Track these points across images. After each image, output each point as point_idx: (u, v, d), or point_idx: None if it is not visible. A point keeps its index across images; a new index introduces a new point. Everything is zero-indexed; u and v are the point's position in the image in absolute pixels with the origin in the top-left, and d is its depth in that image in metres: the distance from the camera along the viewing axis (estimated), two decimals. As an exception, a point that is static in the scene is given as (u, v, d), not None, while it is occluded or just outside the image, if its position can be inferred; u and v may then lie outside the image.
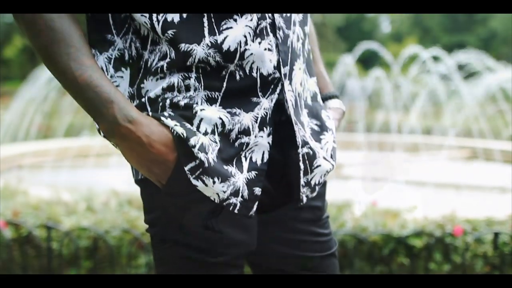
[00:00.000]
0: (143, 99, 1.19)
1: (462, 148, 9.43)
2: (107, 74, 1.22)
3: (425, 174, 7.44)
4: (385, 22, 51.30)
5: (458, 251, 3.00)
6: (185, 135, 1.13)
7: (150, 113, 1.16)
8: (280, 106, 1.22)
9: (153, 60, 1.19)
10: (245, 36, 1.17)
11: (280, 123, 1.23)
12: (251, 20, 1.17)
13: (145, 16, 1.17)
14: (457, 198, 6.15)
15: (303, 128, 1.27)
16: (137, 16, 1.18)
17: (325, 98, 1.47)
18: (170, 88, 1.17)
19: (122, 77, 1.23)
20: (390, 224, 3.16)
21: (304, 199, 1.29)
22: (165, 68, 1.17)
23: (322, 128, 1.33)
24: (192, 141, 1.13)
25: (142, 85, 1.20)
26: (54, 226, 3.22)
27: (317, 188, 1.32)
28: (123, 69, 1.23)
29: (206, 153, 1.14)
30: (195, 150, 1.13)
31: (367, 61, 29.05)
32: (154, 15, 1.16)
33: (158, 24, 1.16)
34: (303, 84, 1.30)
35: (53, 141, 9.53)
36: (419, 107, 10.98)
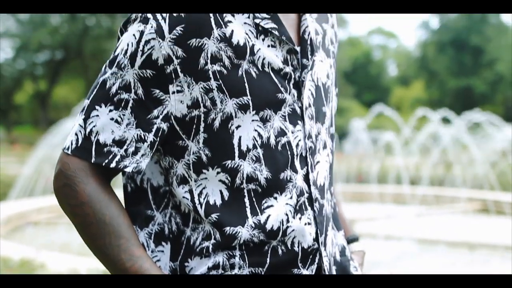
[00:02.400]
0: None
1: (473, 200, 9.46)
2: (148, 249, 1.25)
3: (437, 231, 7.46)
4: (392, 66, 51.74)
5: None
6: None
7: None
8: (316, 271, 1.25)
9: (196, 239, 1.21)
10: (286, 214, 1.20)
11: None
12: (291, 197, 1.21)
13: (187, 199, 1.20)
14: (472, 261, 6.15)
15: None
16: (179, 195, 1.22)
17: (347, 242, 1.47)
18: (215, 267, 1.19)
19: (162, 251, 1.25)
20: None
21: None
22: (210, 249, 1.19)
23: None
24: None
25: (186, 264, 1.22)
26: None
27: None
28: (163, 243, 1.25)
29: None
30: None
31: (373, 105, 29.19)
32: (196, 198, 1.20)
33: (201, 208, 1.19)
34: (334, 242, 1.34)
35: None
36: (431, 162, 11.06)
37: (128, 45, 1.16)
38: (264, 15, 1.20)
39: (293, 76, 1.22)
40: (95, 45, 31.82)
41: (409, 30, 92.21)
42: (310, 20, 1.29)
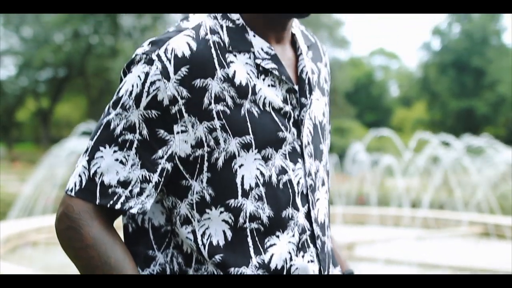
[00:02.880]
0: None
1: (474, 224, 9.43)
2: None
3: (438, 255, 7.43)
4: (394, 86, 51.89)
5: None
6: None
7: None
8: None
9: None
10: (289, 253, 1.22)
11: None
12: (293, 235, 1.23)
13: (190, 239, 1.21)
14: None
15: None
16: (182, 236, 1.22)
17: None
18: None
19: None
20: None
21: None
22: None
23: None
24: None
25: None
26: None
27: None
28: None
29: None
30: None
31: (374, 125, 29.23)
32: (199, 238, 1.20)
33: (205, 249, 1.20)
34: None
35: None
36: (432, 185, 11.06)
37: (133, 86, 1.17)
38: (264, 55, 1.23)
39: (292, 115, 1.25)
40: (98, 63, 31.96)
41: (410, 51, 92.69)
42: (307, 60, 1.32)
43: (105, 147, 1.17)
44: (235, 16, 1.24)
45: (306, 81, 1.28)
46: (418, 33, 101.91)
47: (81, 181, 1.17)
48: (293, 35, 1.34)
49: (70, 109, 39.67)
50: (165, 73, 1.15)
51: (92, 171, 1.17)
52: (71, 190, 1.18)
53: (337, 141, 25.83)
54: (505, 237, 8.81)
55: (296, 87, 1.26)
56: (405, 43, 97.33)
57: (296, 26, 1.36)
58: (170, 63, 1.15)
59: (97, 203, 1.16)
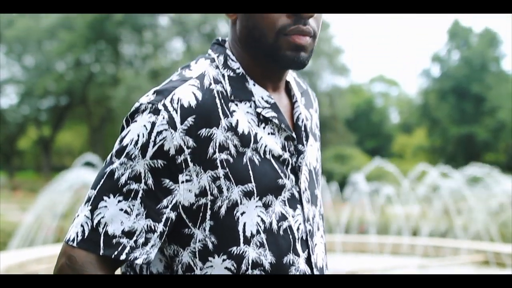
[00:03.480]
0: None
1: (474, 252, 9.41)
2: None
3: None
4: (394, 113, 51.95)
5: None
6: None
7: None
8: None
9: None
10: None
11: None
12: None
13: None
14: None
15: None
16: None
17: None
18: None
19: None
20: None
21: None
22: None
23: None
24: None
25: None
26: None
27: None
28: None
29: None
30: None
31: (375, 152, 29.27)
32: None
33: None
34: None
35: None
36: (432, 214, 11.06)
37: (138, 135, 1.17)
38: (265, 104, 1.26)
39: (290, 162, 1.28)
40: (99, 92, 32.08)
41: (410, 78, 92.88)
42: (301, 107, 1.36)
43: (109, 197, 1.16)
44: (235, 65, 1.27)
45: (303, 128, 1.31)
46: (418, 60, 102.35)
47: (83, 231, 1.16)
48: (287, 83, 1.37)
49: (71, 137, 39.75)
50: (171, 123, 1.16)
51: (95, 221, 1.16)
52: (73, 241, 1.16)
53: (338, 168, 25.78)
54: (505, 265, 8.79)
55: (294, 135, 1.29)
56: (404, 70, 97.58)
57: (289, 73, 1.40)
58: (176, 113, 1.16)
59: (101, 254, 1.14)
